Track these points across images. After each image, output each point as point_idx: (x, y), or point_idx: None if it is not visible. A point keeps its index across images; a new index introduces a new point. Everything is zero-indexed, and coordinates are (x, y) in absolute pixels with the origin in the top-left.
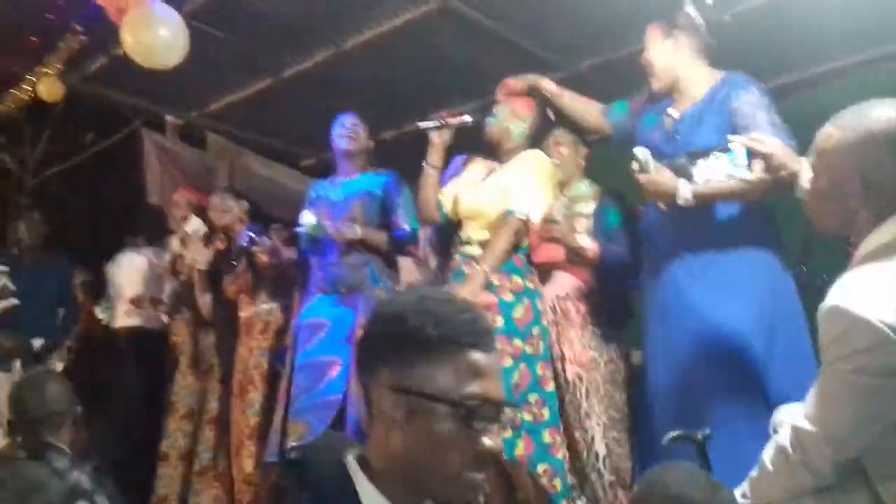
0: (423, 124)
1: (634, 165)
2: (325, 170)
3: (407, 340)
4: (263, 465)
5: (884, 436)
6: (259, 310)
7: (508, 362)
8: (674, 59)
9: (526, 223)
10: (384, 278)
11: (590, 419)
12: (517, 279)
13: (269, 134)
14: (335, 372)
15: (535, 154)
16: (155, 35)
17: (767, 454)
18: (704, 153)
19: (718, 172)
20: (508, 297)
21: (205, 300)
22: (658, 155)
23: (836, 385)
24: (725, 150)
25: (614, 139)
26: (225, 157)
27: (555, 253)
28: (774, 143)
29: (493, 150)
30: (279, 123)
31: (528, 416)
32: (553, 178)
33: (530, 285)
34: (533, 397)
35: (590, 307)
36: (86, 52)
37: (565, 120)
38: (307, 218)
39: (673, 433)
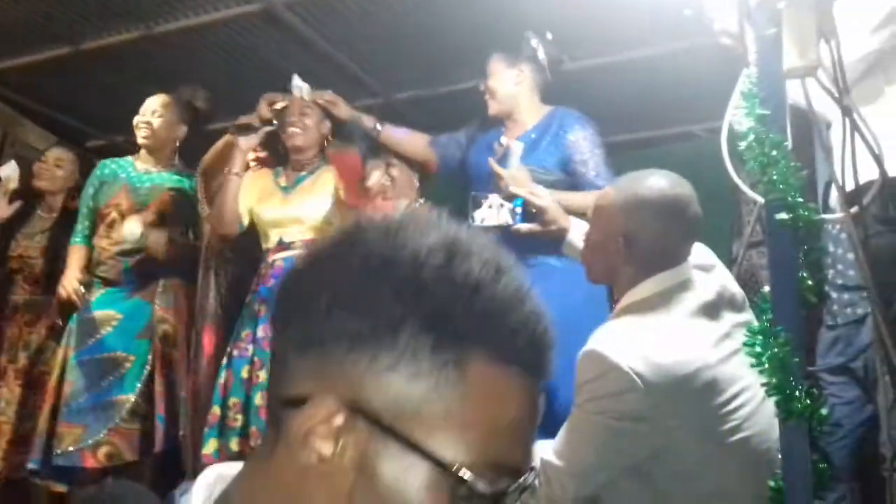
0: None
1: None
2: (114, 153)
3: (394, 311)
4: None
5: (620, 476)
6: (36, 299)
7: None
8: (516, 88)
9: None
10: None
11: None
12: None
13: (56, 107)
14: (124, 370)
15: None
16: None
17: None
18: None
19: (495, 217)
20: None
21: None
22: (493, 180)
23: (584, 424)
24: (510, 197)
25: (441, 168)
26: None
27: None
28: (549, 200)
29: (286, 155)
30: (70, 97)
31: None
32: None
33: None
34: None
35: None
36: None
37: (387, 151)
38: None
39: None
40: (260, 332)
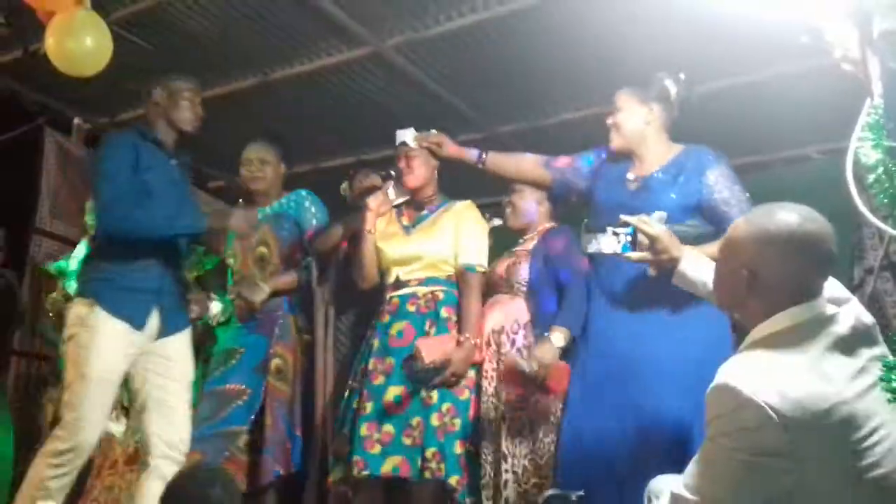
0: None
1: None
2: (231, 192)
3: None
4: None
5: None
6: None
7: (466, 394)
8: (645, 127)
9: (485, 273)
10: (298, 307)
11: (506, 462)
12: None
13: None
14: (241, 402)
15: (467, 205)
16: (80, 43)
17: None
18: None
19: (609, 246)
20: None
21: None
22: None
23: (718, 459)
24: (622, 225)
25: (554, 189)
26: None
27: None
28: (660, 228)
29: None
30: (191, 142)
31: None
32: (486, 225)
33: None
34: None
35: (527, 341)
36: (2, 42)
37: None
38: (214, 309)
39: (550, 492)
40: (370, 366)
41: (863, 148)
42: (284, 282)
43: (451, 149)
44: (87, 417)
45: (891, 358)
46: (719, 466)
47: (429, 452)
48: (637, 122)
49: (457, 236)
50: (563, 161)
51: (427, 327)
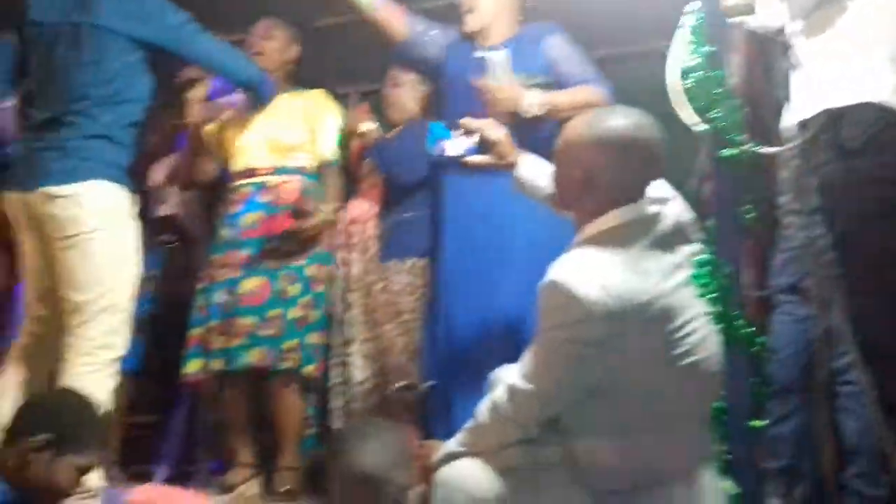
0: None
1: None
2: None
3: None
4: None
5: (584, 397)
6: None
7: (320, 287)
8: (500, 7)
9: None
10: None
11: (351, 346)
12: None
13: None
14: None
15: (322, 93)
16: None
17: (483, 407)
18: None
19: (454, 149)
20: None
21: None
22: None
23: (550, 351)
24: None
25: (402, 49)
26: None
27: None
28: (501, 133)
29: None
30: None
31: None
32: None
33: None
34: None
35: (378, 231)
36: None
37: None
38: None
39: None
40: (221, 258)
41: (685, 51)
42: None
43: None
44: None
45: (703, 256)
46: (550, 357)
47: (287, 344)
48: (494, 4)
49: (313, 125)
50: (424, 24)
51: (282, 219)
